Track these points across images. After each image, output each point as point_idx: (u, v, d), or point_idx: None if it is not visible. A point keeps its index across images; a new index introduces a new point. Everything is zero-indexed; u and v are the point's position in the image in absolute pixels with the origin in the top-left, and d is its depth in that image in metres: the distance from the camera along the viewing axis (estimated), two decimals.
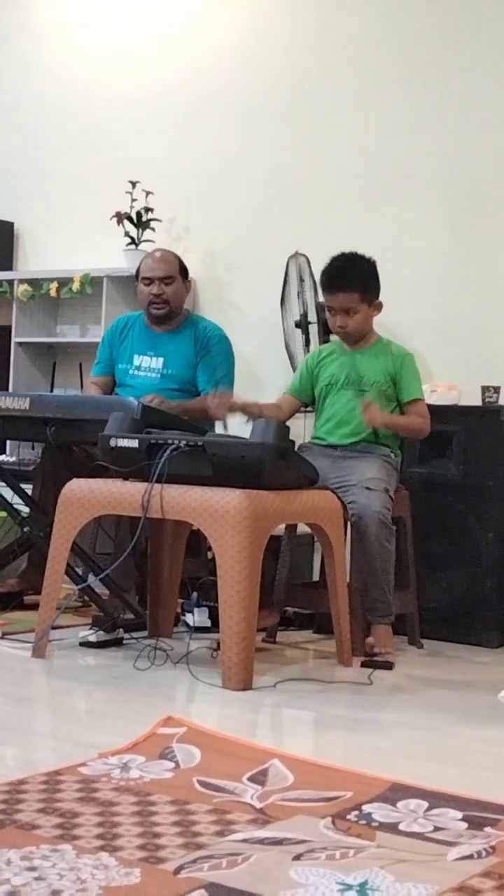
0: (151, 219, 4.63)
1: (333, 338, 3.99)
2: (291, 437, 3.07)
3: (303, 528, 3.47)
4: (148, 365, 3.90)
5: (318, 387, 3.56)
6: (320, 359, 3.61)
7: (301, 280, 4.20)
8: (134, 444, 3.01)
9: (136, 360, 3.93)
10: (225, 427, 3.87)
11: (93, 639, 3.20)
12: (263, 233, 4.53)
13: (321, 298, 4.21)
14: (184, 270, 3.91)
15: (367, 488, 3.23)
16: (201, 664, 3.01)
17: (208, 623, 3.44)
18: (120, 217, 4.61)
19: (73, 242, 5.02)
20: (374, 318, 3.53)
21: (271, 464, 2.90)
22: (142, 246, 4.61)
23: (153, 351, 3.90)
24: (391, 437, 3.50)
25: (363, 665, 3.16)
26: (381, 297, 3.52)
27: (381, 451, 3.44)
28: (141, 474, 2.99)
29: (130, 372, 3.93)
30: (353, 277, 3.43)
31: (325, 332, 4.19)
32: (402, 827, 1.82)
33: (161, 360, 3.88)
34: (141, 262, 3.96)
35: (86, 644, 3.20)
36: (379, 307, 3.50)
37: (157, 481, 2.91)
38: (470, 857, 1.69)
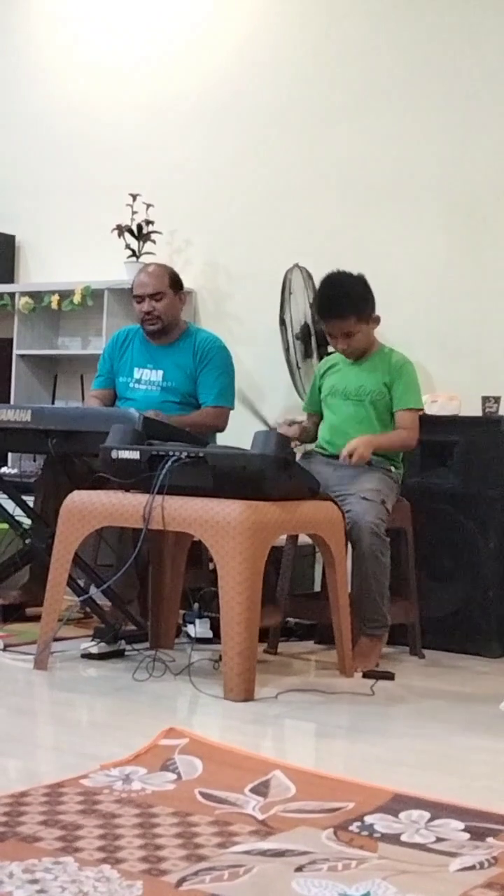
0: (152, 231, 4.65)
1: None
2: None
3: (304, 539, 3.47)
4: (148, 378, 3.91)
5: (322, 396, 3.59)
6: (324, 370, 3.64)
7: (290, 292, 4.19)
8: (135, 455, 3.02)
9: (137, 374, 3.94)
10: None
11: (94, 650, 3.20)
12: (264, 244, 4.55)
13: None
14: (175, 283, 3.89)
15: (364, 498, 3.23)
16: (203, 675, 3.01)
17: (210, 634, 3.44)
18: (121, 229, 4.63)
19: (74, 255, 5.03)
20: (375, 329, 3.54)
21: (272, 475, 2.90)
22: (143, 258, 4.63)
23: (153, 364, 3.92)
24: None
25: (365, 675, 3.16)
26: (382, 309, 3.52)
27: (383, 463, 3.45)
28: (142, 486, 3.00)
29: (131, 385, 3.94)
30: (346, 303, 3.43)
31: (321, 345, 4.20)
32: (404, 838, 1.82)
33: (161, 372, 3.90)
34: (134, 278, 3.97)
35: (88, 656, 3.20)
36: (377, 321, 3.51)
37: (158, 493, 2.92)
38: (472, 867, 1.69)
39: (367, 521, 3.19)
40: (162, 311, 3.85)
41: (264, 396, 4.47)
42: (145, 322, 3.89)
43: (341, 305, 3.42)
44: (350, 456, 3.30)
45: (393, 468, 3.48)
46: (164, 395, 3.87)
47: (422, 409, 3.53)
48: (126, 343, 4.01)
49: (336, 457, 3.47)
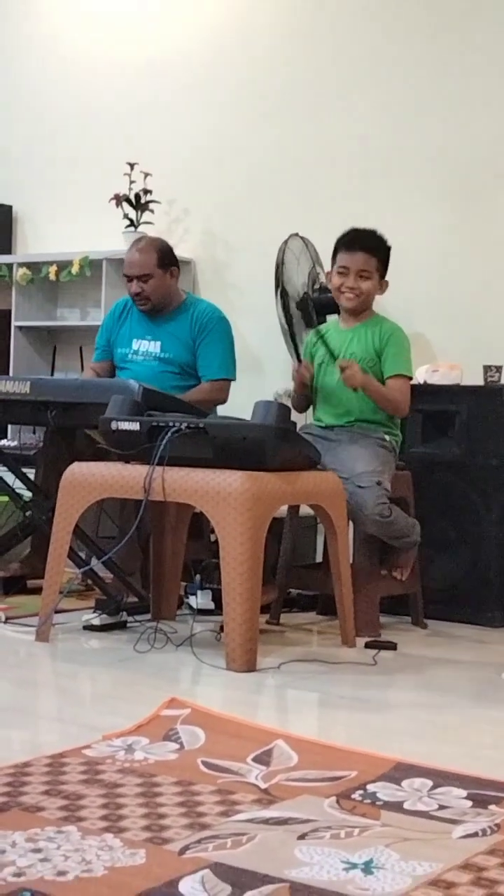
0: (150, 200, 4.60)
1: (330, 318, 3.96)
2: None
3: (305, 510, 3.46)
4: (146, 349, 3.89)
5: (315, 365, 3.55)
6: (317, 338, 3.60)
7: (283, 263, 4.14)
8: (135, 426, 3.00)
9: (135, 345, 3.91)
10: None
11: (96, 622, 3.20)
12: (263, 213, 4.51)
13: (322, 279, 4.19)
14: (164, 261, 3.81)
15: (359, 486, 3.20)
16: (205, 646, 3.01)
17: (212, 605, 3.44)
18: (118, 199, 4.58)
19: (72, 225, 4.99)
20: (375, 298, 3.52)
21: (273, 445, 2.89)
22: (141, 228, 4.59)
23: (151, 335, 3.89)
24: (388, 417, 3.47)
25: (367, 645, 3.16)
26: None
27: (377, 432, 3.42)
28: (142, 457, 2.98)
29: (129, 356, 3.91)
30: (376, 244, 3.45)
31: (320, 314, 4.17)
32: (406, 806, 1.82)
33: (158, 343, 3.87)
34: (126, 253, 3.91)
35: (89, 627, 3.20)
36: (385, 286, 3.50)
37: (158, 464, 2.90)
38: (474, 834, 1.69)
39: (368, 513, 3.17)
40: (150, 291, 3.81)
41: (263, 366, 4.45)
42: (136, 302, 3.86)
43: (372, 241, 3.44)
44: (347, 366, 3.30)
45: (387, 436, 3.44)
46: (163, 367, 3.84)
47: (411, 377, 3.49)
48: (125, 313, 3.98)
49: (331, 427, 3.45)
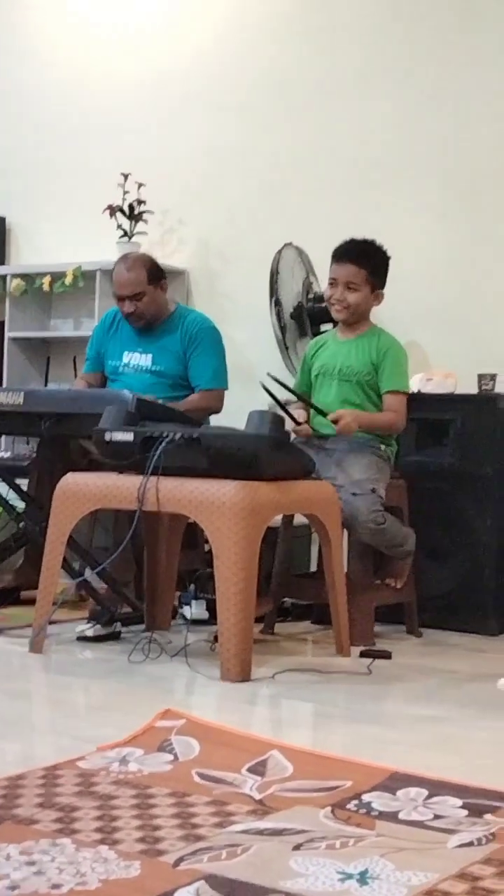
0: (144, 211, 4.61)
1: (325, 327, 3.97)
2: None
3: (300, 519, 3.46)
4: (137, 362, 3.88)
5: (312, 376, 3.56)
6: (315, 349, 3.61)
7: (278, 272, 4.15)
8: (129, 437, 3.00)
9: (126, 358, 3.90)
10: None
11: (90, 633, 3.20)
12: (257, 223, 4.52)
13: (318, 288, 4.21)
14: (154, 276, 3.80)
15: (354, 493, 3.20)
16: (199, 657, 3.00)
17: (206, 615, 3.44)
18: (112, 210, 4.59)
19: (66, 236, 5.00)
20: (372, 309, 3.52)
21: (267, 455, 2.89)
22: (135, 238, 4.60)
23: (142, 348, 3.88)
24: None
25: (362, 655, 3.16)
26: None
27: (372, 443, 3.43)
28: (136, 467, 2.98)
29: (120, 369, 3.91)
30: (366, 255, 3.45)
31: (315, 324, 4.18)
32: (401, 815, 1.81)
33: (150, 356, 3.86)
34: (113, 271, 3.89)
35: (83, 638, 3.20)
36: (379, 298, 3.49)
37: (152, 474, 2.90)
38: (470, 844, 1.69)
39: (362, 520, 3.18)
40: (144, 308, 3.80)
41: (256, 377, 4.44)
42: (130, 320, 3.85)
43: (362, 253, 3.43)
44: (336, 422, 3.29)
45: (383, 446, 3.45)
46: (154, 379, 3.84)
47: (408, 392, 3.50)
48: (115, 324, 3.97)
49: (325, 437, 3.46)
